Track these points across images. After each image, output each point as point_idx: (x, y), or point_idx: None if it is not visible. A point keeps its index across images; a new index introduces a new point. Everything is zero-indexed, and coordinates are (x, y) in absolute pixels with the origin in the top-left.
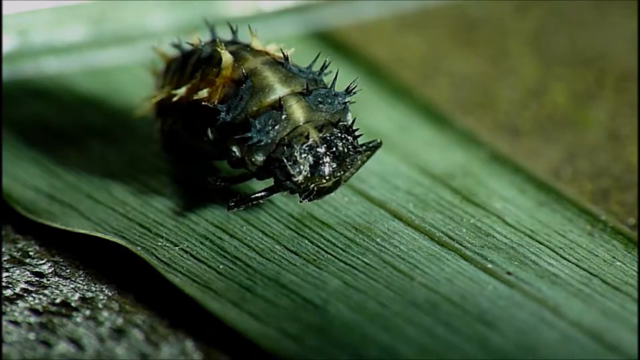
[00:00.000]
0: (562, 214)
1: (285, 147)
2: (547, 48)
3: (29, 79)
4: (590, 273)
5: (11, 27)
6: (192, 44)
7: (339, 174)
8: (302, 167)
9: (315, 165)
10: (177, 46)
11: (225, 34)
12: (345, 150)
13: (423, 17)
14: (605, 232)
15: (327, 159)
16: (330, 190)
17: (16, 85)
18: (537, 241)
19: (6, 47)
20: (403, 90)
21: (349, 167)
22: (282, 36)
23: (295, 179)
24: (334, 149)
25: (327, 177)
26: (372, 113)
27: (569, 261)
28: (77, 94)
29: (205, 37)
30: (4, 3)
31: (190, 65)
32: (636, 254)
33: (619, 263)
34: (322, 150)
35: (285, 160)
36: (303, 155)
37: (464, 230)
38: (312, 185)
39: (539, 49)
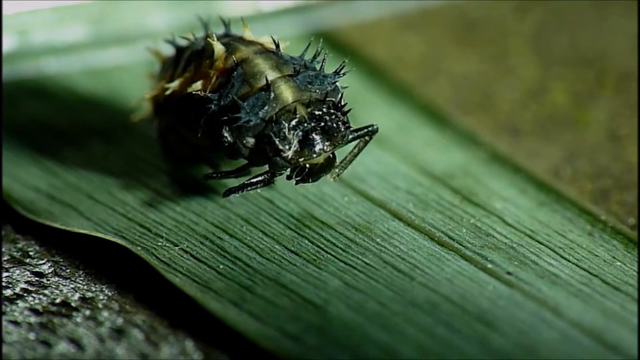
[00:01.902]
0: (562, 214)
1: (273, 124)
2: (547, 48)
3: (29, 79)
4: (590, 273)
5: (11, 27)
6: (186, 38)
7: (329, 149)
8: (291, 142)
9: (305, 140)
10: (170, 42)
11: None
12: (334, 125)
13: (423, 17)
14: (605, 232)
15: (316, 134)
16: (322, 168)
17: (16, 85)
18: (537, 241)
19: (6, 47)
20: (403, 90)
21: (339, 142)
22: (283, 36)
23: (285, 154)
24: (323, 123)
25: (316, 151)
26: (372, 113)
27: (569, 261)
28: (77, 94)
29: (201, 35)
30: (4, 3)
31: (183, 60)
32: (636, 254)
33: (619, 263)
34: (310, 125)
35: (273, 136)
36: (292, 132)
37: (464, 230)
38: (302, 160)
39: (539, 49)
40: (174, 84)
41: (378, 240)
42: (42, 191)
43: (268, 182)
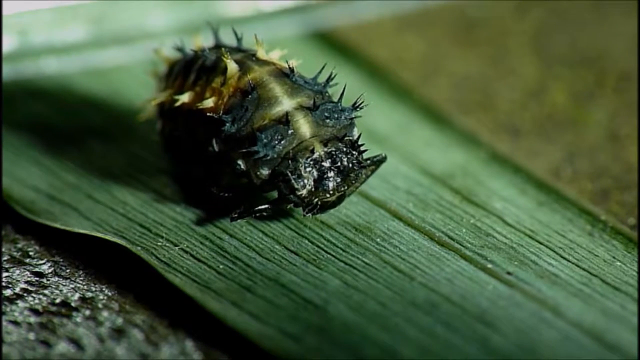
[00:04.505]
0: (562, 214)
1: (290, 161)
2: (547, 48)
3: (29, 79)
4: (590, 273)
5: (11, 27)
6: (195, 51)
7: (343, 189)
8: (306, 181)
9: (320, 180)
10: (179, 49)
11: (225, 35)
12: (350, 165)
13: (423, 17)
14: (605, 232)
15: (332, 174)
16: (334, 204)
17: (16, 85)
18: (537, 241)
19: (6, 47)
20: (403, 90)
21: (353, 181)
22: (282, 36)
23: (299, 193)
24: (339, 163)
25: (331, 192)
26: (372, 113)
27: (569, 261)
28: (77, 94)
29: (207, 39)
30: (4, 3)
31: (193, 71)
32: (636, 254)
33: (619, 263)
34: (326, 164)
35: (289, 174)
36: (307, 169)
37: (464, 230)
38: (316, 200)
39: (539, 49)
40: (184, 97)
41: (378, 240)
42: (42, 191)
43: (275, 208)
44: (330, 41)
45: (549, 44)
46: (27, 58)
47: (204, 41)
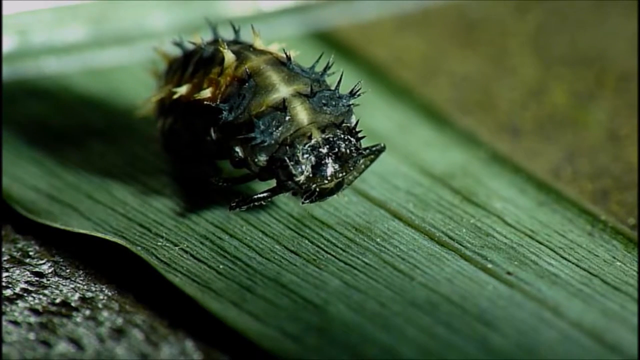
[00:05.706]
0: (562, 214)
1: (287, 147)
2: (547, 48)
3: (29, 79)
4: (590, 273)
5: (11, 27)
6: (194, 43)
7: (340, 175)
8: (304, 167)
9: (317, 166)
10: (178, 44)
11: (226, 35)
12: (348, 151)
13: (423, 17)
14: (605, 232)
15: (329, 160)
16: (332, 192)
17: (16, 85)
18: (537, 241)
19: (6, 47)
20: (403, 90)
21: (351, 168)
22: (283, 36)
23: (297, 179)
24: (337, 150)
25: (328, 178)
26: (372, 113)
27: (569, 261)
28: (77, 94)
29: (207, 37)
30: (4, 3)
31: (191, 64)
32: (636, 254)
33: (619, 263)
34: (324, 150)
35: (287, 160)
36: (305, 156)
37: (464, 230)
38: (314, 186)
39: (539, 49)
40: (182, 89)
41: (378, 240)
42: (42, 191)
43: (273, 196)
44: (330, 41)
45: (549, 44)
46: (27, 58)
47: (204, 39)
